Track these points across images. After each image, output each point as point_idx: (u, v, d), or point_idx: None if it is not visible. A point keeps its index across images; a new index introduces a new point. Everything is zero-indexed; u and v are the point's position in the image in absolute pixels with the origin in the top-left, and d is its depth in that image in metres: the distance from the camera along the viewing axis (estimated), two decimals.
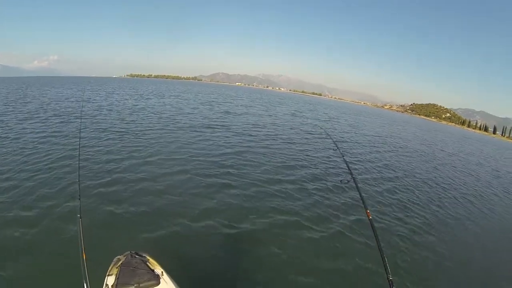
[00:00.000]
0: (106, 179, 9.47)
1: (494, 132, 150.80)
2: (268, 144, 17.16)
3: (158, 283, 3.71)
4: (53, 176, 9.45)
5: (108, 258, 3.98)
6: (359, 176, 13.41)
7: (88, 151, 12.03)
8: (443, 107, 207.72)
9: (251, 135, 19.45)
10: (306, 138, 20.97)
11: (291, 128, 25.35)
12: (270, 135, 20.63)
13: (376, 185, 12.61)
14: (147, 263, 3.99)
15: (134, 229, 6.86)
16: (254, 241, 7.17)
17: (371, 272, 6.47)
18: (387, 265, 1.79)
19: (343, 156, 4.49)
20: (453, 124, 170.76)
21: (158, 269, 3.94)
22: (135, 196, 8.48)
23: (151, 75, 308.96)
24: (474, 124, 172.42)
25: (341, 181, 2.96)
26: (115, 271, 3.72)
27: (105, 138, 14.34)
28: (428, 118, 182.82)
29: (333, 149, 6.00)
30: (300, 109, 50.96)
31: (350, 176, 3.38)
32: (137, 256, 4.05)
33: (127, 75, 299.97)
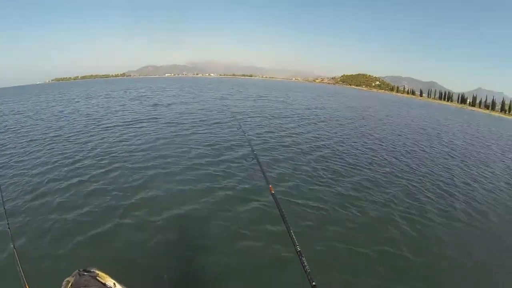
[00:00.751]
0: (34, 195, 8.84)
1: (421, 95, 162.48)
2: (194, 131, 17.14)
3: None
4: None
5: (56, 283, 3.64)
6: (286, 149, 14.03)
7: (11, 170, 11.16)
8: (372, 75, 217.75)
9: (178, 124, 19.35)
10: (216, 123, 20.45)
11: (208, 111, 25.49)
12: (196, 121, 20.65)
13: (309, 153, 13.49)
14: (97, 278, 3.73)
15: (76, 245, 6.50)
16: (190, 226, 7.37)
17: (281, 245, 6.54)
18: (293, 236, 1.80)
19: (245, 133, 4.69)
20: (383, 91, 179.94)
21: (110, 281, 3.71)
22: (68, 209, 7.99)
23: (78, 77, 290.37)
24: (402, 89, 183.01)
25: (245, 159, 2.87)
26: None
27: (30, 151, 13.49)
28: (359, 88, 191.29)
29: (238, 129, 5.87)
30: (229, 92, 50.97)
31: (253, 155, 3.39)
32: (85, 273, 3.75)
33: (52, 80, 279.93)
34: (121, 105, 30.27)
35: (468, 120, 45.97)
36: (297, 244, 1.79)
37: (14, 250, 3.27)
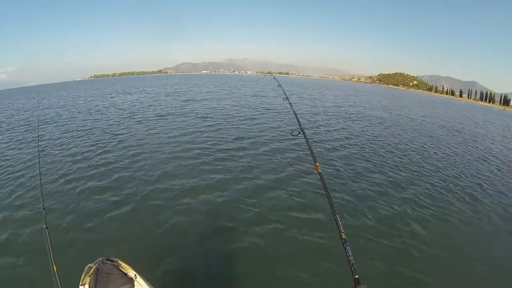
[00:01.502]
0: (69, 182, 9.33)
1: (461, 96, 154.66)
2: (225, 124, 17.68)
3: (133, 286, 3.69)
4: (16, 184, 9.39)
5: (79, 267, 3.73)
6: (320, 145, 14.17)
7: (49, 157, 11.99)
8: (410, 75, 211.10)
9: (208, 118, 19.76)
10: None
11: (250, 108, 25.53)
12: (229, 115, 21.26)
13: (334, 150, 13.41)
14: (119, 267, 3.90)
15: (103, 234, 6.72)
16: (222, 212, 7.56)
17: (325, 230, 6.73)
18: (340, 222, 1.75)
19: (292, 108, 4.43)
20: (421, 90, 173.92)
21: (131, 272, 3.88)
22: (101, 200, 8.27)
23: (116, 73, 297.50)
24: (441, 89, 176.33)
25: (292, 133, 2.76)
26: (88, 279, 3.59)
27: (65, 142, 14.32)
28: (396, 87, 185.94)
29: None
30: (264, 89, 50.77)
31: (299, 129, 3.35)
32: (108, 262, 3.91)
33: (91, 77, 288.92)
34: (155, 100, 31.12)
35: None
36: (343, 231, 1.72)
37: (46, 231, 3.45)
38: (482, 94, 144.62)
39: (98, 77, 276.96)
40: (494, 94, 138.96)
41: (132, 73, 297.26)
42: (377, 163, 12.14)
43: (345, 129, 18.93)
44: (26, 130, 17.88)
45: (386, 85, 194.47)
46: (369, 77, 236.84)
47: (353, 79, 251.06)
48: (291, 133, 3.36)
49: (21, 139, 15.58)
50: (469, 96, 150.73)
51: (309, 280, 5.49)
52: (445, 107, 55.51)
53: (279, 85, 4.79)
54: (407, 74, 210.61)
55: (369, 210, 8.10)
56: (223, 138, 14.30)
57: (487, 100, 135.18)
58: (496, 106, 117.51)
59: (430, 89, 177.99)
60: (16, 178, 9.94)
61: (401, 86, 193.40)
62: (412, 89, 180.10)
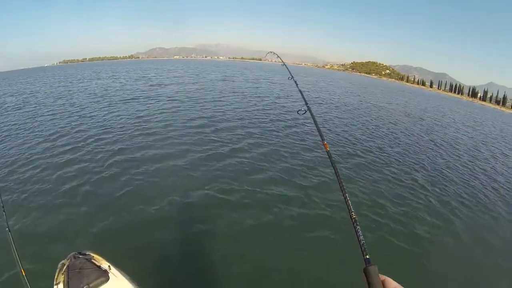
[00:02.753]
0: (27, 178, 8.70)
1: (431, 86, 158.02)
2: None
3: (108, 279, 3.72)
4: None
5: (51, 266, 3.81)
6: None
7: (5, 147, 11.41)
8: (383, 64, 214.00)
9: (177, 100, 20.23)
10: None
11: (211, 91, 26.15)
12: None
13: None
14: (92, 260, 3.94)
15: (69, 228, 6.41)
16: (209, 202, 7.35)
17: (336, 209, 6.95)
18: (349, 202, 1.66)
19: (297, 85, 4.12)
20: (393, 80, 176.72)
21: (105, 264, 3.92)
22: (63, 193, 7.82)
23: (85, 59, 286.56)
24: (412, 79, 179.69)
25: (298, 112, 2.65)
26: (61, 278, 3.63)
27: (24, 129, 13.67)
28: (369, 75, 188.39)
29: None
30: (233, 75, 50.57)
31: (306, 107, 3.13)
32: (80, 256, 4.00)
33: (59, 62, 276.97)
34: (123, 85, 30.93)
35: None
36: (353, 210, 1.65)
37: (9, 233, 3.30)
38: (451, 85, 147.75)
39: (67, 62, 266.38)
40: (463, 86, 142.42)
41: (103, 59, 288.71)
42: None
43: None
44: None
45: (358, 73, 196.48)
46: (342, 64, 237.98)
47: (326, 66, 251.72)
48: (297, 111, 3.17)
49: None
50: (439, 87, 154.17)
51: (318, 260, 5.59)
52: (414, 96, 56.72)
53: (291, 77, 4.42)
54: (379, 63, 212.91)
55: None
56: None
57: (456, 92, 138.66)
58: (465, 98, 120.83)
59: (401, 79, 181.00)
60: None
61: (373, 74, 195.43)
62: (384, 78, 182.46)
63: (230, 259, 5.63)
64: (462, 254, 6.63)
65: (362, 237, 1.47)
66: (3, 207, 3.79)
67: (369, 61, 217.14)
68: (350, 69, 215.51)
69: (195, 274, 5.28)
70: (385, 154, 12.45)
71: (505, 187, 11.13)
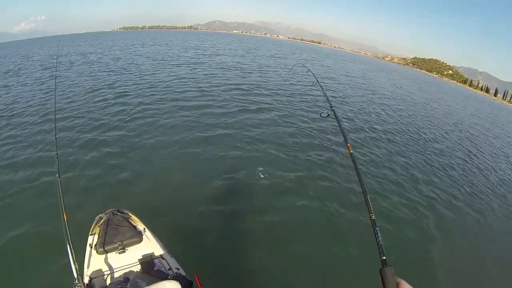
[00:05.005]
0: (85, 135, 9.34)
1: (495, 95, 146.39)
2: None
3: (141, 240, 3.85)
4: (29, 131, 9.49)
5: (90, 217, 4.06)
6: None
7: (65, 100, 12.54)
8: (446, 63, 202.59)
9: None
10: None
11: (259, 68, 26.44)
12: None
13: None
14: (129, 220, 4.08)
15: (115, 186, 6.83)
16: (239, 187, 7.36)
17: (355, 211, 6.84)
18: (370, 203, 1.75)
19: (323, 89, 4.23)
20: (455, 82, 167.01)
21: (140, 226, 4.06)
22: (116, 153, 8.41)
23: (145, 26, 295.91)
24: (476, 84, 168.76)
25: (321, 114, 2.46)
26: (97, 230, 3.83)
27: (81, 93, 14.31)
28: (430, 73, 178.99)
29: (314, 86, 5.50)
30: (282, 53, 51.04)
31: (330, 110, 3.14)
32: (119, 214, 4.11)
33: (119, 28, 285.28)
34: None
35: None
36: (372, 212, 1.72)
37: (59, 179, 3.38)
38: None
39: (127, 29, 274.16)
40: None
41: (162, 27, 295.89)
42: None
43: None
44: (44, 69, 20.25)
45: (419, 69, 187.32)
46: (403, 58, 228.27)
47: (386, 58, 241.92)
48: (320, 114, 3.26)
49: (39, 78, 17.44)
50: (504, 97, 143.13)
51: (335, 258, 5.62)
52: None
53: (316, 81, 4.58)
54: (442, 62, 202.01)
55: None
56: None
57: None
58: None
59: (464, 82, 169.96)
60: (31, 122, 10.22)
61: (434, 73, 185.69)
62: (446, 79, 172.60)
63: (260, 242, 5.77)
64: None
65: (380, 238, 1.53)
66: (57, 154, 3.90)
67: (431, 58, 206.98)
68: (411, 64, 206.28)
69: (227, 252, 5.41)
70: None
71: None
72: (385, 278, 1.27)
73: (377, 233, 1.57)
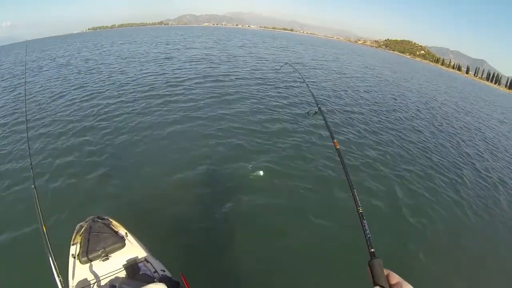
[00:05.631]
0: (57, 141, 9.23)
1: (467, 72, 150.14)
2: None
3: (124, 245, 3.82)
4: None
5: (70, 226, 4.05)
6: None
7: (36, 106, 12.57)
8: (418, 44, 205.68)
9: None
10: None
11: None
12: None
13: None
14: (111, 225, 4.05)
15: (93, 193, 6.72)
16: (221, 180, 7.46)
17: (342, 204, 6.87)
18: (357, 197, 1.73)
19: (308, 87, 4.16)
20: (427, 61, 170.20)
21: (122, 231, 4.05)
22: (90, 156, 8.28)
23: (115, 25, 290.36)
24: (448, 63, 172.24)
25: (308, 112, 2.50)
26: (79, 239, 3.80)
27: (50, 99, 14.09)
28: (402, 54, 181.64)
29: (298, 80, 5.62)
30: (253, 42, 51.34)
31: (317, 107, 3.08)
32: (99, 220, 4.08)
33: (88, 29, 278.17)
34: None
35: None
36: (360, 205, 1.71)
37: (35, 190, 3.36)
38: (489, 74, 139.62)
39: (96, 29, 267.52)
40: (501, 76, 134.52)
41: (132, 25, 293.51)
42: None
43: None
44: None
45: (392, 51, 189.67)
46: (375, 41, 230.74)
47: (359, 42, 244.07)
48: (307, 112, 3.24)
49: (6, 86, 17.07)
50: (475, 74, 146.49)
51: (324, 253, 5.66)
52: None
53: (303, 81, 4.60)
54: (414, 43, 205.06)
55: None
56: None
57: (493, 81, 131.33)
58: (502, 89, 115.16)
59: (436, 61, 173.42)
60: (0, 133, 9.98)
61: (407, 54, 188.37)
62: (418, 59, 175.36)
63: (245, 235, 5.85)
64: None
65: (368, 231, 1.52)
66: (31, 164, 3.87)
67: (403, 40, 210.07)
68: (384, 46, 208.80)
69: (211, 249, 5.43)
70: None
71: None
72: (374, 270, 1.29)
73: (365, 226, 1.59)
